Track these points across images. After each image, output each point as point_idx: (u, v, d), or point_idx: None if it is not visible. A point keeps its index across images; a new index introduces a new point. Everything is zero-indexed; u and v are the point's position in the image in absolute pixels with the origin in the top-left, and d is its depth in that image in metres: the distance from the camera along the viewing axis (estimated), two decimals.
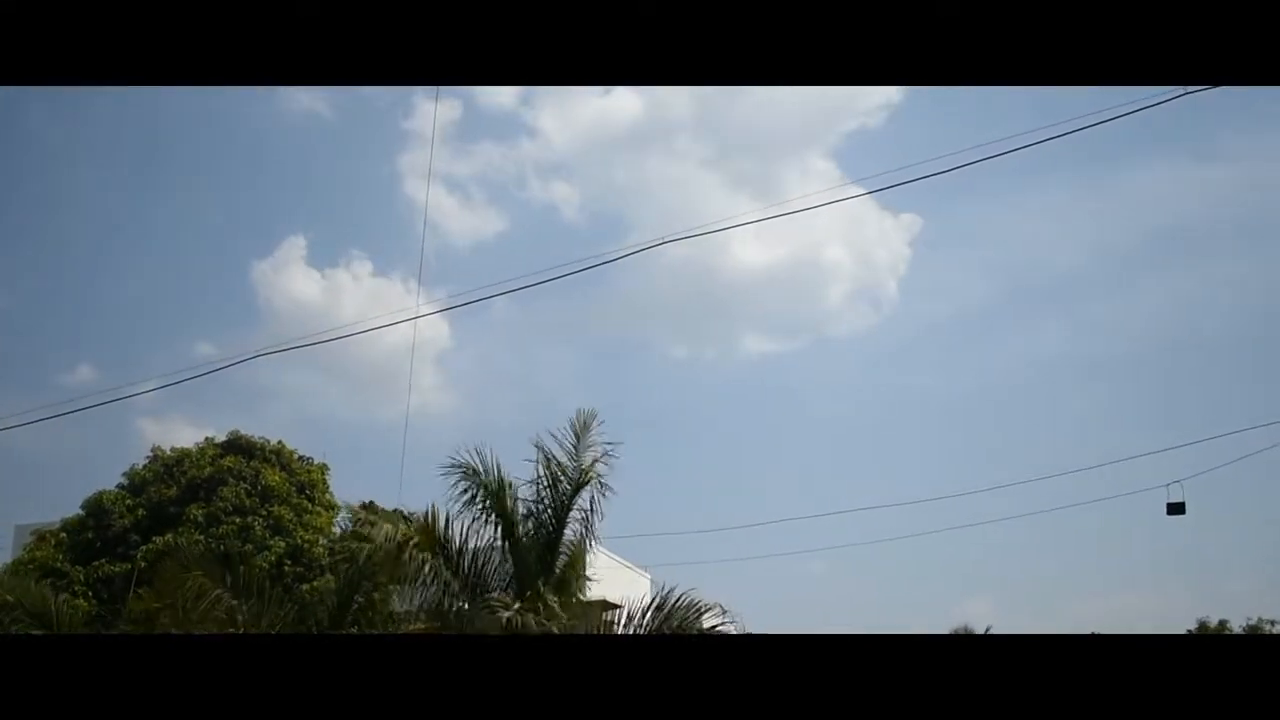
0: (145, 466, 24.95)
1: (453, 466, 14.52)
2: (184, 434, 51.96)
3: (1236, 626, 37.14)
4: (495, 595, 13.61)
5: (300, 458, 25.77)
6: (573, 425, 14.77)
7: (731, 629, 14.41)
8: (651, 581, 19.72)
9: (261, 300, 52.58)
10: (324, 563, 22.36)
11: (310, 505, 24.73)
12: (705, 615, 14.13)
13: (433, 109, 53.44)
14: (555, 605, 13.46)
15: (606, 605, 16.43)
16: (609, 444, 14.76)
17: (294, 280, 53.03)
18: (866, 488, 55.81)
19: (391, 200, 56.09)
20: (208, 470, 24.15)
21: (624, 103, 51.73)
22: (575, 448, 14.65)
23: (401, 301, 49.97)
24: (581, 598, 14.90)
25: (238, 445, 25.18)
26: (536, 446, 14.68)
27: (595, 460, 14.61)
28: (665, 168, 55.77)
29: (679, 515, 53.42)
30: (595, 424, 14.82)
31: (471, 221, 53.83)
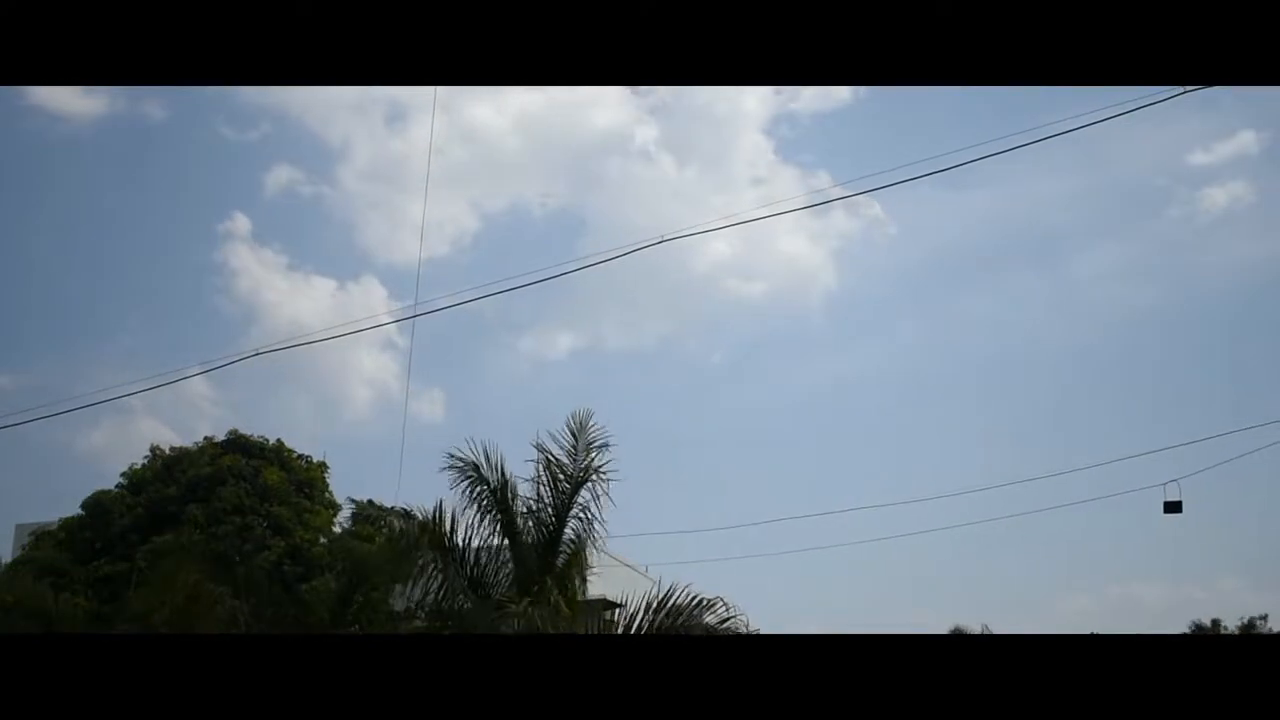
0: (144, 466, 24.95)
1: (454, 462, 14.54)
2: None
3: (1231, 625, 37.18)
4: (503, 594, 13.64)
5: (299, 456, 25.78)
6: (569, 425, 14.80)
7: (737, 622, 14.44)
8: (651, 580, 19.68)
9: (203, 301, 52.41)
10: (324, 561, 22.37)
11: (310, 504, 24.74)
12: (708, 612, 14.15)
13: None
14: (562, 603, 13.49)
15: (607, 604, 16.43)
16: (605, 441, 14.79)
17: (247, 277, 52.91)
18: (859, 487, 55.84)
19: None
20: (207, 470, 24.15)
21: (560, 98, 51.28)
22: (574, 447, 14.68)
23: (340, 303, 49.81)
24: (581, 597, 14.91)
25: (237, 444, 25.18)
26: (536, 447, 14.71)
27: (593, 459, 14.63)
28: (624, 166, 55.70)
29: (671, 515, 53.50)
30: (590, 424, 14.85)
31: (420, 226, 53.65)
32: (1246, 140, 54.66)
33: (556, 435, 14.77)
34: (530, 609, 12.92)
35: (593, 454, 14.66)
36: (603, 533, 14.77)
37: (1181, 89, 9.51)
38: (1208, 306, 55.27)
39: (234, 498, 23.53)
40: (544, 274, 14.06)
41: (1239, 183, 54.81)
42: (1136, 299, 55.71)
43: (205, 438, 25.70)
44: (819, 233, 55.66)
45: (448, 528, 14.58)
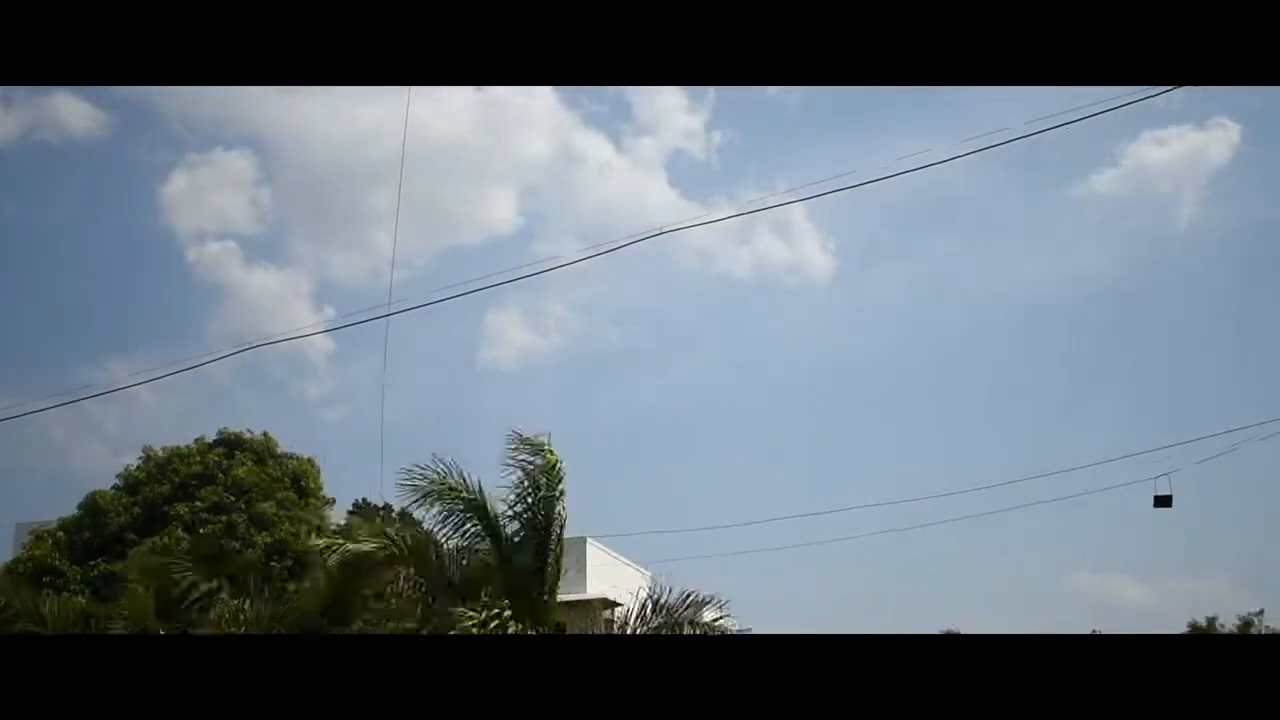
0: (139, 466, 25.01)
1: (419, 480, 14.31)
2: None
3: (1229, 624, 37.24)
4: (483, 601, 13.52)
5: (289, 455, 25.77)
6: (514, 434, 14.62)
7: (730, 622, 14.47)
8: (651, 578, 19.73)
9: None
10: (318, 558, 22.31)
11: (298, 499, 24.72)
12: (704, 608, 14.19)
13: None
14: (545, 611, 13.39)
15: (606, 603, 16.44)
16: (547, 441, 14.59)
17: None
18: (856, 486, 55.78)
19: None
20: (196, 468, 24.25)
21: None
22: (537, 449, 14.49)
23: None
24: (566, 599, 14.79)
25: (226, 441, 25.23)
26: (508, 461, 14.57)
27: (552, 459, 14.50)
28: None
29: (672, 514, 53.46)
30: (533, 426, 14.65)
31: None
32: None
33: (523, 439, 14.56)
34: (509, 622, 12.81)
35: (548, 452, 14.49)
36: (576, 532, 14.56)
37: (1181, 89, 9.54)
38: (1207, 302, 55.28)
39: (213, 495, 23.62)
40: (532, 271, 13.97)
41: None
42: (1132, 295, 55.78)
43: (195, 439, 25.72)
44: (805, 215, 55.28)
45: (425, 542, 14.44)
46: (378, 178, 46.26)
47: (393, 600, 14.91)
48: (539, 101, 49.50)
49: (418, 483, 14.13)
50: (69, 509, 24.68)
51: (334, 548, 14.77)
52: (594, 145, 55.57)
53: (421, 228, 51.98)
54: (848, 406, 57.89)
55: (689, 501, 51.72)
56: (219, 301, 52.90)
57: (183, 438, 26.14)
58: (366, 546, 14.15)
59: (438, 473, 14.18)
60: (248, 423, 27.00)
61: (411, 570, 13.86)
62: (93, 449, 47.40)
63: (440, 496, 14.16)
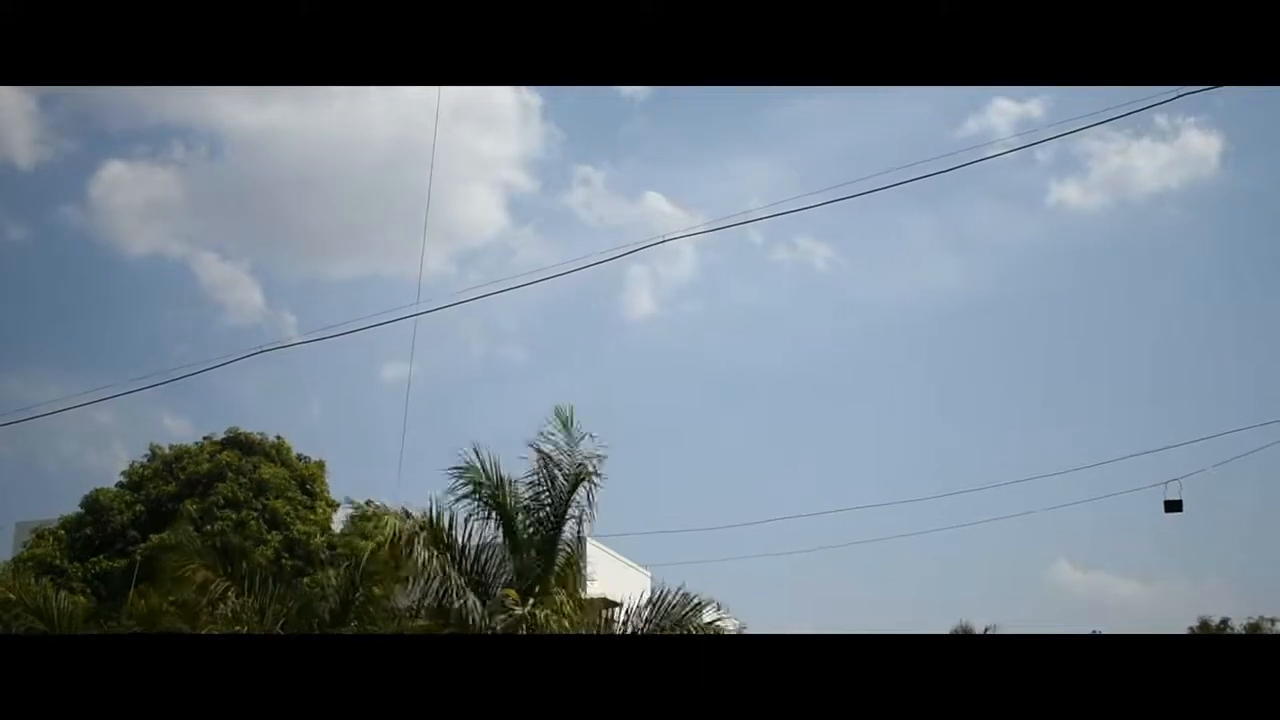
0: (144, 464, 25.01)
1: (454, 466, 14.53)
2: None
3: (1238, 625, 37.11)
4: (506, 593, 13.61)
5: (298, 456, 25.82)
6: (553, 422, 14.71)
7: (729, 623, 14.50)
8: (651, 579, 19.73)
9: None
10: (324, 557, 22.41)
11: (309, 500, 24.80)
12: (704, 610, 14.20)
13: None
14: (567, 603, 13.48)
15: (607, 603, 16.45)
16: (594, 436, 14.70)
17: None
18: (859, 487, 55.76)
19: None
20: (206, 466, 24.23)
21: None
22: (567, 443, 14.59)
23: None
24: (580, 595, 14.90)
25: (236, 441, 25.24)
26: (531, 446, 14.66)
27: (587, 457, 14.56)
28: None
29: (677, 514, 53.40)
30: (577, 419, 14.78)
31: None
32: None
33: (546, 433, 14.68)
34: (535, 610, 12.90)
35: (583, 448, 14.57)
36: (592, 530, 14.69)
37: (1182, 89, 9.52)
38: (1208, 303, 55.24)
39: (229, 492, 23.62)
40: (534, 277, 14.03)
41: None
42: (1141, 297, 55.69)
43: (205, 437, 25.77)
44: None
45: (445, 524, 14.56)
46: (345, 178, 46.36)
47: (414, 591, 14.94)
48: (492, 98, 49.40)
49: (458, 467, 14.31)
50: (58, 509, 24.80)
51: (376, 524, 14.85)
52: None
53: (405, 228, 52.12)
54: (847, 407, 57.99)
55: (687, 503, 51.76)
56: (174, 296, 53.13)
57: (156, 439, 26.27)
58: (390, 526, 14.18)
59: (471, 462, 14.34)
60: (230, 421, 27.07)
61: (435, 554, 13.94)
62: (73, 449, 47.76)
63: (476, 487, 14.31)
